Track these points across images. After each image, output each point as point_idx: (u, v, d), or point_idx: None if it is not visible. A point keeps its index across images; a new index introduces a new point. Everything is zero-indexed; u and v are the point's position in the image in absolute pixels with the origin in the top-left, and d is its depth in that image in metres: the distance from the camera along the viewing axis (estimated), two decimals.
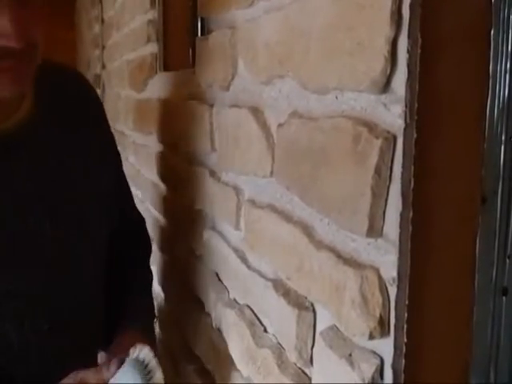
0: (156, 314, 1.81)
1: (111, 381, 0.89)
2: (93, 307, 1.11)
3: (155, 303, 1.50)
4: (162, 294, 1.74)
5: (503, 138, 0.65)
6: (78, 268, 1.06)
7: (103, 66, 3.26)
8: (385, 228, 0.64)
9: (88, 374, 0.91)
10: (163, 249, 1.71)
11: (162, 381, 0.91)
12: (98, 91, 3.37)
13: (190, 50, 1.49)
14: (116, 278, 1.18)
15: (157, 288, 1.78)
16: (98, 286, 1.13)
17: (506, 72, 0.64)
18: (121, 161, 1.27)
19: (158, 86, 1.78)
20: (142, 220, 1.36)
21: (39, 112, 1.02)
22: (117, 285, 1.18)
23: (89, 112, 1.15)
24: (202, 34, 1.39)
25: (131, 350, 0.91)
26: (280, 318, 0.87)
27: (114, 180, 1.20)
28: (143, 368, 0.89)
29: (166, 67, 1.78)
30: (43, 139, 1.03)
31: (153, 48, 1.84)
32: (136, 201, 2.10)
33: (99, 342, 1.05)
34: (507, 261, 0.67)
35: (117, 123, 2.65)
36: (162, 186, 1.69)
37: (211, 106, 1.17)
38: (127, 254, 1.25)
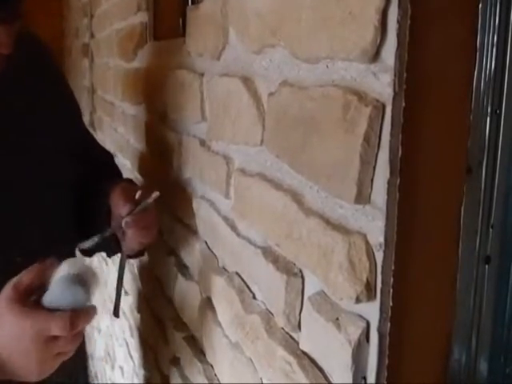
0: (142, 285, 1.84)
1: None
2: (63, 238, 1.18)
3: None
4: (150, 264, 1.76)
5: (489, 110, 0.66)
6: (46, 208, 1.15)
7: (92, 35, 3.23)
8: (372, 195, 0.65)
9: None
10: None
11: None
12: (86, 60, 3.34)
13: (181, 20, 1.48)
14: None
15: (144, 258, 1.79)
16: (68, 219, 1.23)
17: (492, 45, 0.65)
18: (80, 113, 1.40)
19: (147, 56, 1.77)
20: (110, 155, 1.48)
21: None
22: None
23: (44, 68, 1.25)
24: (192, 3, 1.39)
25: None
26: (269, 285, 0.89)
27: (75, 129, 1.31)
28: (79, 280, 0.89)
29: (156, 37, 1.77)
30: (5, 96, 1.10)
31: (143, 17, 1.83)
32: (125, 170, 2.11)
33: None
34: (491, 230, 0.68)
35: (106, 93, 2.64)
36: (151, 156, 1.70)
37: (201, 75, 1.17)
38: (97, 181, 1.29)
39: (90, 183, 1.26)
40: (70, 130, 1.25)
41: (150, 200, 1.09)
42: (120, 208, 1.10)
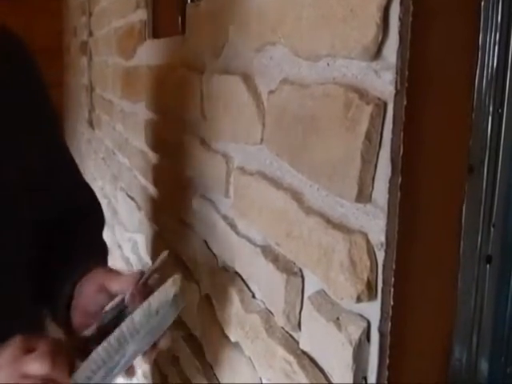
0: None
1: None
2: (16, 295, 0.98)
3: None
4: (150, 263, 1.75)
5: (491, 108, 0.66)
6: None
7: (90, 33, 3.22)
8: (374, 193, 0.65)
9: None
10: (151, 217, 1.72)
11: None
12: (85, 59, 3.34)
13: (180, 17, 1.48)
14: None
15: (145, 257, 1.79)
16: (22, 269, 1.01)
17: (494, 43, 0.65)
18: (58, 130, 1.16)
19: (146, 54, 1.77)
20: (90, 197, 1.19)
21: None
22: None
23: (18, 73, 1.02)
24: (192, 1, 1.38)
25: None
26: (269, 284, 0.88)
27: (47, 156, 1.03)
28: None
29: (156, 34, 1.76)
30: None
31: (142, 15, 1.83)
32: (123, 169, 2.10)
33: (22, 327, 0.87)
34: (492, 229, 0.68)
35: (104, 91, 2.63)
36: (151, 154, 1.69)
37: (201, 73, 1.16)
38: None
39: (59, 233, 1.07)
40: (38, 157, 1.00)
41: (159, 262, 0.93)
42: (114, 286, 0.89)
